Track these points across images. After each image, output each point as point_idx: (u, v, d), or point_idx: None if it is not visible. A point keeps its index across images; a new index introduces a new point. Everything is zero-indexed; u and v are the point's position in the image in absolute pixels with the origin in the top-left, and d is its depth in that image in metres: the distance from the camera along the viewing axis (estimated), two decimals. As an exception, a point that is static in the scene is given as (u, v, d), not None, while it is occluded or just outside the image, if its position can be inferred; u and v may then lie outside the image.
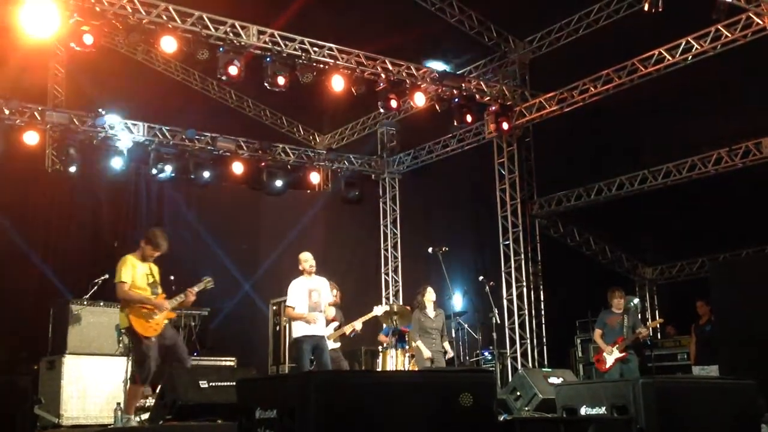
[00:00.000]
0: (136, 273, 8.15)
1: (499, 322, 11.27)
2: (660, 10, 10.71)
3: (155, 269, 8.44)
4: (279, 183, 15.48)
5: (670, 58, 12.24)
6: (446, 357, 10.99)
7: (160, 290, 8.36)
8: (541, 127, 14.58)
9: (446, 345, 10.99)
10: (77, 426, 9.79)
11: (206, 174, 14.47)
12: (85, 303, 10.51)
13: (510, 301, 14.30)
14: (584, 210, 15.45)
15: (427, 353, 10.78)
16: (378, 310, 11.16)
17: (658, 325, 15.51)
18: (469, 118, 13.70)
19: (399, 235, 16.73)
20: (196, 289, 8.70)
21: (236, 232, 15.14)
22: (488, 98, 13.94)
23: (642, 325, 11.04)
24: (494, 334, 11.10)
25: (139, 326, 8.04)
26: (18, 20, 10.06)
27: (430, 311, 10.99)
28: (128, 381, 8.16)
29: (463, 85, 13.53)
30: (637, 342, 10.99)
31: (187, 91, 15.99)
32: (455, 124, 13.86)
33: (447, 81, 13.31)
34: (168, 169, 13.94)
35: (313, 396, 4.62)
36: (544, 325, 14.63)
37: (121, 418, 8.29)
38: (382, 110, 14.07)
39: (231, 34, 11.74)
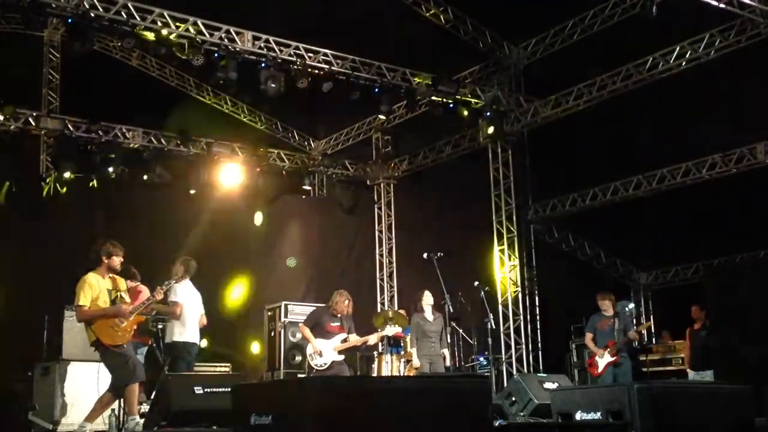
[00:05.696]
0: (96, 291, 7.92)
1: (494, 327, 11.22)
2: (653, 15, 10.76)
3: (121, 282, 8.24)
4: (274, 188, 15.49)
5: (664, 64, 12.28)
6: (445, 363, 10.98)
7: (122, 304, 8.06)
8: (536, 132, 14.60)
9: (445, 351, 10.99)
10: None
11: (201, 180, 14.47)
12: (80, 309, 10.44)
13: (505, 306, 14.30)
14: (579, 215, 15.47)
15: (416, 362, 10.77)
16: (389, 331, 11.14)
17: (649, 328, 15.55)
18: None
19: (394, 241, 16.73)
20: (164, 287, 8.63)
21: (231, 239, 15.10)
22: (483, 104, 13.95)
23: (633, 328, 11.04)
24: (489, 340, 11.07)
25: (107, 337, 7.91)
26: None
27: (429, 315, 10.99)
28: (119, 388, 8.03)
29: (458, 90, 13.54)
30: (630, 345, 10.99)
31: (182, 97, 15.97)
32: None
33: (442, 86, 13.33)
34: (164, 174, 14.00)
35: (308, 402, 4.62)
36: (539, 330, 14.64)
37: (125, 421, 8.21)
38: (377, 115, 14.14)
39: (226, 40, 11.75)
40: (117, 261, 8.14)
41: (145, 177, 13.92)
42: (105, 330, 7.90)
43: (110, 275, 8.13)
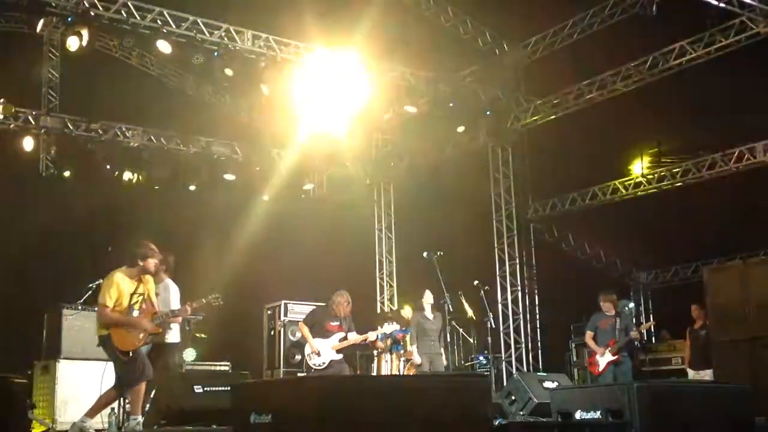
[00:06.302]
0: (119, 293, 7.88)
1: (493, 326, 11.24)
2: (653, 14, 10.77)
3: (150, 283, 8.13)
4: (273, 186, 15.50)
5: (664, 64, 12.28)
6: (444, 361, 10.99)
7: (137, 311, 7.96)
8: (536, 131, 14.59)
9: (442, 350, 11.00)
10: (75, 424, 9.74)
11: (201, 178, 14.49)
12: (79, 308, 10.45)
13: (505, 306, 14.30)
14: (579, 214, 15.47)
15: (417, 359, 10.77)
16: (388, 328, 11.14)
17: (649, 328, 15.52)
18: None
19: (394, 240, 16.73)
20: (195, 304, 8.56)
21: (231, 238, 15.11)
22: (483, 103, 13.94)
23: (634, 328, 11.04)
24: (489, 339, 11.08)
25: (118, 340, 7.86)
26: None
27: (429, 313, 10.99)
28: (124, 387, 8.00)
29: (458, 89, 13.53)
30: (630, 345, 10.99)
31: (181, 96, 15.96)
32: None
33: (442, 85, 13.33)
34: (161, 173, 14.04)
35: (307, 401, 4.62)
36: (538, 330, 14.64)
37: (127, 420, 8.21)
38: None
39: (226, 39, 11.76)
40: (152, 264, 7.99)
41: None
42: (118, 332, 7.85)
43: (139, 276, 8.02)
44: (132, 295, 7.93)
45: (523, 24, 13.86)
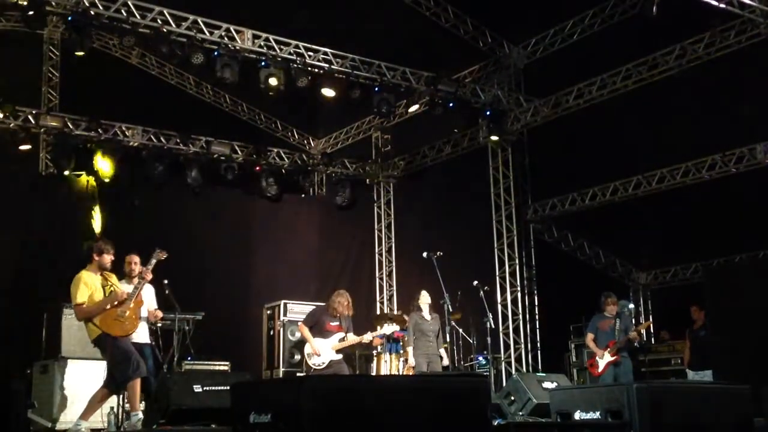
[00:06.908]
0: (91, 288, 8.00)
1: (493, 326, 11.23)
2: (653, 15, 10.76)
3: (113, 277, 8.33)
4: (273, 187, 15.51)
5: (664, 64, 12.28)
6: (443, 363, 10.99)
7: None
8: (535, 131, 14.59)
9: (442, 351, 10.99)
10: (70, 430, 9.74)
11: (200, 178, 14.50)
12: (79, 307, 10.44)
13: (504, 306, 14.30)
14: (578, 215, 15.47)
15: (412, 361, 10.77)
16: (388, 329, 11.14)
17: (648, 328, 15.55)
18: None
19: (393, 240, 16.74)
20: (149, 267, 8.62)
21: (230, 237, 15.11)
22: (483, 103, 13.95)
23: (633, 328, 11.06)
24: (488, 339, 11.08)
25: (116, 329, 7.94)
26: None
27: (426, 314, 10.99)
28: (118, 385, 8.01)
29: (458, 89, 13.54)
30: (630, 345, 11.00)
31: (181, 95, 15.97)
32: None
33: (442, 86, 13.33)
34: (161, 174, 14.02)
35: (306, 400, 4.62)
36: (538, 330, 14.64)
37: (123, 418, 8.22)
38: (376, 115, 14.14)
39: (226, 38, 11.76)
40: (108, 259, 8.26)
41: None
42: (111, 323, 7.95)
43: (101, 272, 8.20)
44: (104, 287, 8.10)
45: (524, 24, 13.86)
